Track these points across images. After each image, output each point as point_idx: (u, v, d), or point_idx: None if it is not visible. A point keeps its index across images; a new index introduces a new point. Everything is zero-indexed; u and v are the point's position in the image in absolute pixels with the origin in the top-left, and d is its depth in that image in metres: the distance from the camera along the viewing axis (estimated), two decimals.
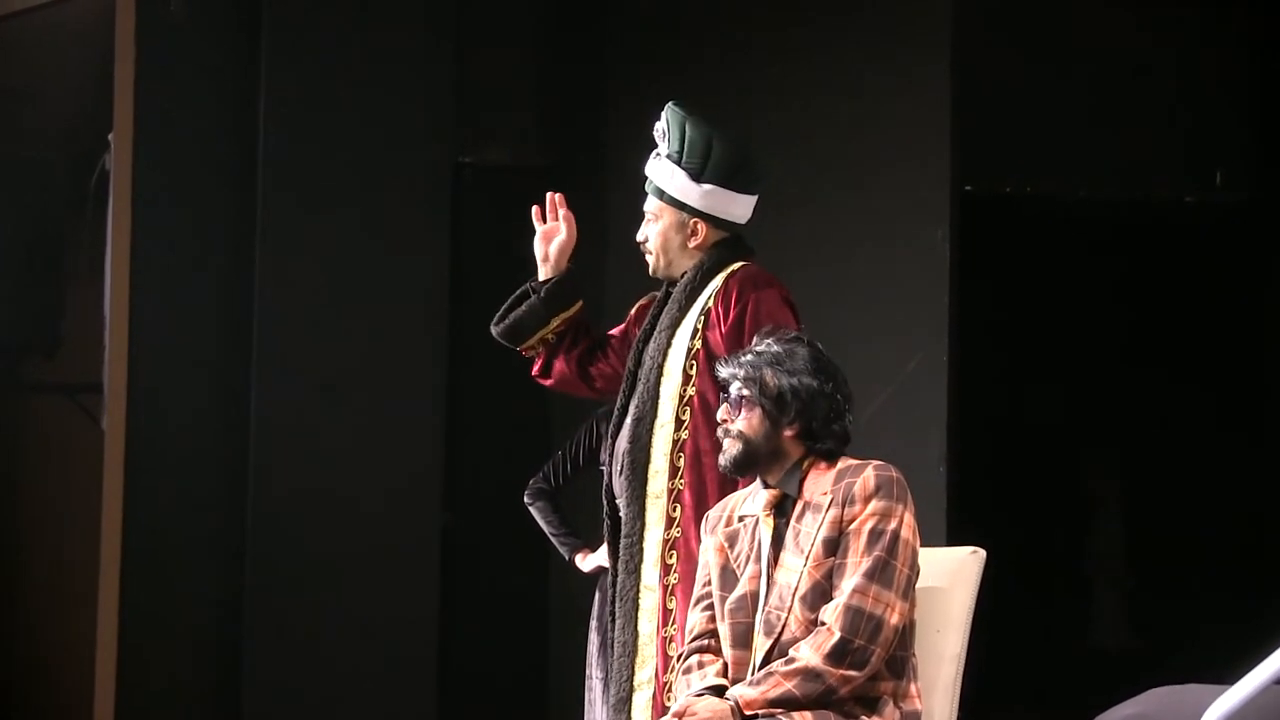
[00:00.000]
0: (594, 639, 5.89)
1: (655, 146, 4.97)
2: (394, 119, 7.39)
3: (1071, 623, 7.38)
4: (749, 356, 4.33)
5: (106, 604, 7.15)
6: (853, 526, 4.15)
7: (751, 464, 4.30)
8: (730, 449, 4.31)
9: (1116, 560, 7.40)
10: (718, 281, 4.88)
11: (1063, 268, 7.23)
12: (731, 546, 4.31)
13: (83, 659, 7.21)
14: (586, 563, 5.93)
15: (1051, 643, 7.25)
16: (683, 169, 4.91)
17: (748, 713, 4.09)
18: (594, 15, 7.71)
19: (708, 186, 4.90)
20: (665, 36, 7.45)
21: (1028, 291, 7.20)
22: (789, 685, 4.08)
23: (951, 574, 4.42)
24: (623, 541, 4.88)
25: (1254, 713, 3.58)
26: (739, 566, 4.28)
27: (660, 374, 4.88)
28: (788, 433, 4.27)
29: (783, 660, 4.12)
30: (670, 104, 4.97)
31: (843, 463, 4.26)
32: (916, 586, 4.23)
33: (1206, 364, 7.29)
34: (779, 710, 4.08)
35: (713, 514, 4.44)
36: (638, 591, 4.83)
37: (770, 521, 4.26)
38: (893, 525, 4.14)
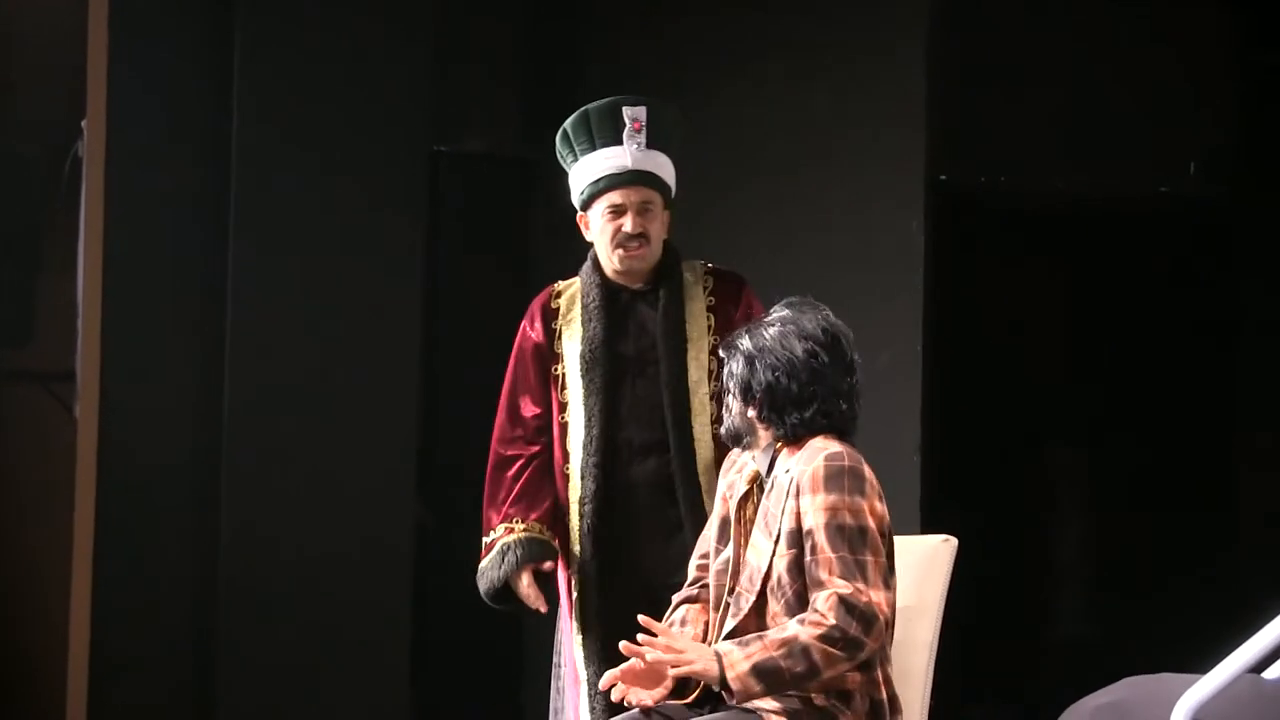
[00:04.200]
0: (561, 627, 5.89)
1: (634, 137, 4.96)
2: (369, 107, 7.37)
3: (1045, 612, 7.39)
4: (741, 346, 4.37)
5: (79, 594, 7.13)
6: (814, 521, 4.16)
7: (738, 439, 4.39)
8: (724, 422, 4.42)
9: (1090, 550, 7.41)
10: (704, 282, 4.93)
11: (1038, 258, 7.23)
12: (731, 498, 4.40)
13: (55, 649, 7.18)
14: None
15: (1024, 631, 7.26)
16: (668, 156, 4.93)
17: (729, 674, 4.09)
18: (572, 2, 7.70)
19: (671, 167, 4.95)
20: (643, 25, 7.44)
21: (1002, 282, 7.21)
22: (775, 654, 4.09)
23: (924, 562, 4.43)
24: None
25: (1226, 701, 3.59)
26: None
27: (686, 404, 4.96)
28: (750, 413, 4.33)
29: (777, 629, 4.14)
30: (636, 97, 4.95)
31: (807, 444, 4.27)
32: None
33: (1179, 356, 7.30)
34: (754, 693, 4.10)
35: (729, 458, 4.53)
36: None
37: (749, 493, 4.37)
38: (850, 520, 4.15)
